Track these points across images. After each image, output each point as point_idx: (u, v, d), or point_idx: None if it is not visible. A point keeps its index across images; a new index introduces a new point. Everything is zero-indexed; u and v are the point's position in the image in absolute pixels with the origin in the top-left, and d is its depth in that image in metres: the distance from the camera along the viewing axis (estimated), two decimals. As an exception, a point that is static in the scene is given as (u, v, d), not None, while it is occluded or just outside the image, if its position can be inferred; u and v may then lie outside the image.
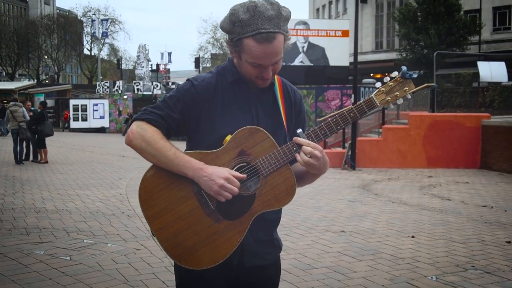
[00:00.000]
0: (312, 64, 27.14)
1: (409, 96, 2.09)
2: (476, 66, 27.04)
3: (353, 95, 15.28)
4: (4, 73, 66.58)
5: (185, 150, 2.17)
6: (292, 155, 2.06)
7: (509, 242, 6.45)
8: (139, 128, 2.11)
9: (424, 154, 14.99)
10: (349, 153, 14.67)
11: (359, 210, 8.53)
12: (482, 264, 5.53)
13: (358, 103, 2.09)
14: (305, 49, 27.29)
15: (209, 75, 2.24)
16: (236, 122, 2.12)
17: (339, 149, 16.53)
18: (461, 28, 31.78)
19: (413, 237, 6.67)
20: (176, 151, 2.06)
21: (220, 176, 1.99)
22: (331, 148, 17.93)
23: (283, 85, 2.31)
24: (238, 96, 2.19)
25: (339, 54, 26.94)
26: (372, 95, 2.10)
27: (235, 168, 2.07)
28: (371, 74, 42.16)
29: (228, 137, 2.08)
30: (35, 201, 8.86)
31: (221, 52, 62.94)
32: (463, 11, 33.39)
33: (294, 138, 2.07)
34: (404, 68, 2.09)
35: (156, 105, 2.19)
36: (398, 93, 2.09)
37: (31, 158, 15.81)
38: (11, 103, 15.54)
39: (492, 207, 8.90)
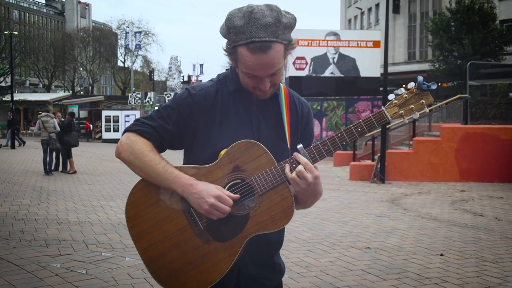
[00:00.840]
0: (342, 75, 26.88)
1: (427, 110, 1.90)
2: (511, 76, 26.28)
3: (383, 106, 14.96)
4: (41, 85, 68.29)
5: (182, 164, 2.03)
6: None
7: (545, 262, 6.09)
8: (128, 140, 1.98)
9: (457, 168, 14.53)
10: (379, 165, 14.34)
11: (386, 225, 8.25)
12: (515, 286, 5.21)
13: (367, 116, 1.92)
14: (335, 60, 27.06)
15: (209, 83, 2.11)
16: (234, 135, 1.98)
17: (369, 162, 16.20)
18: (497, 38, 31.05)
19: (442, 255, 6.37)
20: (166, 164, 1.93)
21: (210, 193, 1.85)
22: (361, 160, 17.61)
23: (290, 97, 2.15)
24: (239, 107, 2.05)
25: (370, 65, 26.61)
26: (383, 107, 1.92)
27: (228, 185, 1.92)
28: (403, 85, 41.34)
29: (223, 151, 1.94)
30: (59, 212, 8.87)
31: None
32: (498, 20, 32.65)
33: (294, 154, 1.91)
34: (420, 78, 1.90)
35: (149, 116, 2.06)
36: (413, 106, 1.89)
37: (60, 168, 16.00)
38: (43, 113, 15.79)
39: (527, 224, 8.50)
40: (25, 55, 60.93)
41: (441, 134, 14.93)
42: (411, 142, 15.67)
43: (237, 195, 1.89)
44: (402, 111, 1.90)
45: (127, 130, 2.03)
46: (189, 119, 2.01)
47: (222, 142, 1.97)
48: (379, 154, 14.63)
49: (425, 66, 40.97)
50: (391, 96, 1.93)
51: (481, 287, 5.16)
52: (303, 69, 26.35)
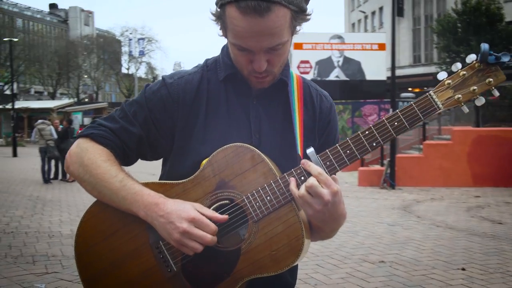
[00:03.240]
0: (348, 79, 26.39)
1: (496, 93, 1.33)
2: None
3: (391, 110, 14.43)
4: (46, 93, 68.11)
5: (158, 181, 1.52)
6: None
7: None
8: (78, 147, 1.48)
9: (470, 172, 13.96)
10: (388, 171, 13.79)
11: (400, 235, 7.71)
12: (549, 305, 4.67)
13: (407, 106, 1.36)
14: (340, 63, 26.59)
15: (193, 70, 1.58)
16: (224, 138, 1.45)
17: (377, 167, 15.65)
18: (504, 38, 30.44)
19: (463, 269, 5.83)
20: (125, 178, 1.41)
21: (183, 216, 1.32)
22: (369, 165, 17.07)
23: (305, 87, 1.61)
24: (232, 99, 1.51)
25: (375, 68, 26.12)
26: (431, 91, 1.36)
27: (211, 208, 1.40)
28: (409, 89, 41.00)
29: (205, 161, 1.41)
30: (52, 224, 8.38)
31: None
32: (505, 21, 32.07)
33: (303, 161, 1.37)
34: (484, 46, 1.32)
35: (109, 115, 1.54)
36: (476, 87, 1.33)
37: (60, 177, 15.54)
38: (39, 121, 15.35)
39: (551, 232, 7.94)
40: (29, 63, 60.76)
41: (452, 137, 14.38)
42: (421, 146, 15.14)
43: (225, 216, 1.36)
44: (460, 96, 1.34)
45: (79, 135, 1.53)
46: (164, 118, 1.50)
47: (206, 148, 1.45)
48: (388, 159, 14.09)
49: (431, 69, 40.43)
50: (442, 75, 1.37)
51: (511, 307, 4.64)
52: (307, 73, 25.88)
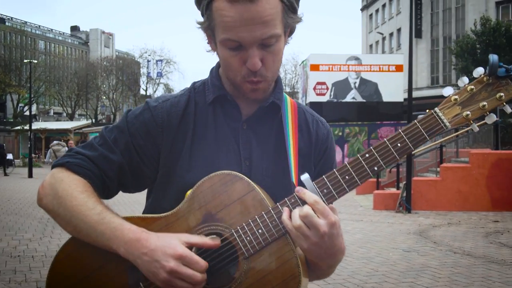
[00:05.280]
0: (364, 100, 26.22)
1: (509, 109, 1.20)
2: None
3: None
4: (64, 114, 69.08)
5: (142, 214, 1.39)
6: None
7: None
8: (53, 178, 1.34)
9: (488, 196, 13.60)
10: (404, 194, 13.51)
11: (415, 262, 7.44)
12: None
13: (410, 124, 1.24)
14: (357, 85, 26.46)
15: (180, 93, 1.46)
16: (211, 165, 1.33)
17: (393, 190, 15.36)
18: (524, 60, 30.09)
19: (481, 300, 5.58)
20: (103, 211, 1.27)
21: (169, 253, 1.18)
22: (384, 188, 16.78)
23: (300, 112, 1.49)
24: (221, 123, 1.39)
25: (392, 90, 25.92)
26: (436, 108, 1.23)
27: None
28: (427, 110, 40.54)
29: (189, 192, 1.28)
30: (51, 244, 8.28)
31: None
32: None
33: (297, 189, 1.24)
34: (493, 57, 1.19)
35: (87, 143, 1.41)
36: (485, 103, 1.21)
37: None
38: (54, 142, 15.50)
39: None
40: (50, 84, 61.81)
41: (470, 160, 14.07)
42: (438, 169, 14.83)
43: (217, 242, 1.24)
44: (468, 112, 1.21)
45: (53, 165, 1.40)
46: (147, 144, 1.38)
47: (192, 175, 1.32)
48: (404, 182, 13.81)
49: (450, 91, 40.11)
50: (448, 91, 1.24)
51: None
52: (324, 94, 25.79)
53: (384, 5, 55.45)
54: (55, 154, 14.66)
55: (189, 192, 1.28)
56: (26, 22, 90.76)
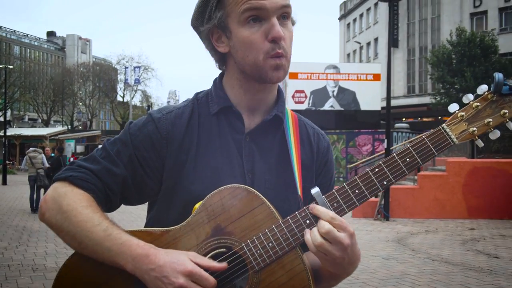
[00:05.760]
0: (342, 109, 26.44)
1: None
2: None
3: (386, 140, 14.35)
4: (39, 120, 68.05)
5: (144, 228, 1.36)
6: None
7: None
8: (55, 192, 1.31)
9: (464, 204, 13.81)
10: (382, 202, 13.63)
11: (395, 270, 7.50)
12: None
13: (418, 138, 1.27)
14: (335, 93, 26.68)
15: (182, 104, 1.45)
16: (216, 177, 1.33)
17: (372, 198, 15.45)
18: (498, 70, 30.70)
19: (460, 307, 5.64)
20: (109, 226, 1.24)
21: (178, 270, 1.17)
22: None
23: (301, 124, 1.50)
24: (225, 134, 1.39)
25: (370, 98, 26.21)
26: (444, 124, 1.27)
27: (207, 257, 1.26)
28: (403, 119, 41.17)
29: (198, 205, 1.27)
30: (36, 256, 8.12)
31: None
32: (499, 53, 32.40)
33: (311, 206, 1.25)
34: (499, 76, 1.24)
35: (90, 156, 1.39)
36: (490, 119, 1.25)
37: (49, 206, 15.26)
38: (30, 149, 15.15)
39: (549, 267, 7.76)
40: (25, 90, 60.80)
41: (447, 169, 14.28)
42: (415, 177, 15.00)
43: (223, 265, 1.23)
44: (475, 129, 1.26)
45: (55, 179, 1.37)
46: (151, 156, 1.36)
47: (197, 187, 1.32)
48: (382, 190, 13.91)
49: (426, 100, 40.72)
50: (453, 107, 1.28)
51: None
52: (302, 102, 25.95)
53: (361, 15, 56.07)
54: (31, 161, 14.36)
55: (197, 206, 1.27)
56: (0, 26, 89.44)
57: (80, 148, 41.82)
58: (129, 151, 1.36)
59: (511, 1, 39.30)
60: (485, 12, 41.45)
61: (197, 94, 1.50)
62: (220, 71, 1.51)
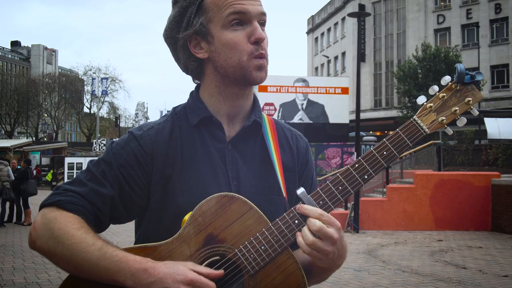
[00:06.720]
0: (311, 122, 26.66)
1: (476, 112, 1.37)
2: (477, 123, 26.56)
3: (355, 153, 14.57)
4: (3, 131, 66.42)
5: (133, 245, 1.37)
6: (295, 234, 1.29)
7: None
8: (44, 218, 1.30)
9: (432, 216, 14.09)
10: (352, 214, 13.79)
11: (367, 281, 7.59)
12: None
13: (393, 133, 1.34)
14: (304, 106, 26.90)
15: (162, 119, 1.48)
16: (202, 187, 1.36)
17: (342, 210, 15.62)
18: (462, 85, 31.68)
19: (432, 317, 5.75)
20: (104, 245, 1.25)
21: (179, 279, 1.19)
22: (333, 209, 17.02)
23: (278, 128, 1.55)
24: (207, 146, 1.42)
25: (338, 111, 26.51)
26: (415, 116, 1.35)
27: (202, 265, 1.28)
28: (370, 132, 41.83)
29: (187, 216, 1.29)
30: (4, 272, 7.93)
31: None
32: (462, 68, 33.34)
33: (298, 206, 1.29)
34: (460, 66, 1.34)
35: (75, 179, 1.39)
36: (457, 108, 1.34)
37: (14, 219, 14.91)
38: (-5, 161, 14.80)
39: (514, 277, 7.98)
40: (-14, 100, 59.45)
41: (414, 181, 14.54)
42: (384, 189, 15.23)
43: (220, 271, 1.25)
44: (443, 118, 1.34)
45: (42, 205, 1.36)
46: (137, 173, 1.38)
47: (184, 198, 1.34)
48: (352, 202, 14.10)
49: (392, 113, 41.47)
50: (421, 99, 1.36)
51: None
52: (272, 115, 25.99)
53: (329, 29, 56.95)
54: (-4, 173, 14.02)
55: (187, 217, 1.29)
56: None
57: (45, 160, 40.90)
58: (114, 171, 1.37)
59: (472, 18, 40.59)
60: (448, 29, 42.71)
61: (174, 108, 1.53)
62: (196, 85, 1.55)
